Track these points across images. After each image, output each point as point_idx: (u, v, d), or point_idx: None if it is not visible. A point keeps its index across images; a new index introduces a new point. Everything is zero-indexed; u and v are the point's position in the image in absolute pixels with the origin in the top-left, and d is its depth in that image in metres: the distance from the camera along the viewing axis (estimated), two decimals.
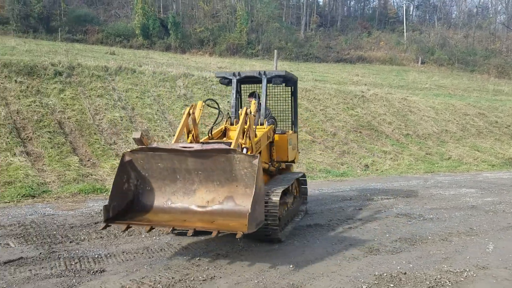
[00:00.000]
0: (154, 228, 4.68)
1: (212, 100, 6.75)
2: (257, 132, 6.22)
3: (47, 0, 38.53)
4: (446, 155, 17.62)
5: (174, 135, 6.06)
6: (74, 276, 4.46)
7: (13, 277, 4.45)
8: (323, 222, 7.03)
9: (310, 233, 6.34)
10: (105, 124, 13.43)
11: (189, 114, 5.57)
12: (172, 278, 4.43)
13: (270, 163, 6.79)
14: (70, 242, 5.70)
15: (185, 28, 42.02)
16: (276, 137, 6.94)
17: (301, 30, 51.92)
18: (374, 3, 71.19)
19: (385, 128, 19.23)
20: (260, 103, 6.92)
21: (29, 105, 13.12)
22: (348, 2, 71.48)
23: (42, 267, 4.72)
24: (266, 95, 7.00)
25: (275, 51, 21.27)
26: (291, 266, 4.89)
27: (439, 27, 58.98)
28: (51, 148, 11.55)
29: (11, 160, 10.66)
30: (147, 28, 39.03)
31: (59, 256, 5.09)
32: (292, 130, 8.01)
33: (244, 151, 5.14)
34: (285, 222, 6.22)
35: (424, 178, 13.29)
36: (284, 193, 6.10)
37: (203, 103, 6.18)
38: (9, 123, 11.94)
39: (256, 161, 4.41)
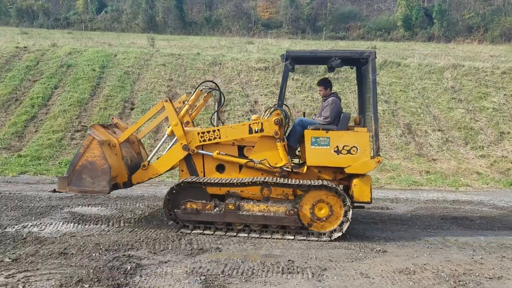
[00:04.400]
0: None
1: (213, 82, 6.60)
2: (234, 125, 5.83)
3: (315, 1, 42.24)
4: None
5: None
6: (359, 251, 5.02)
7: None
8: None
9: None
10: None
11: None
12: (455, 270, 4.45)
13: (283, 165, 5.66)
14: None
15: (451, 15, 38.99)
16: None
17: None
18: None
19: None
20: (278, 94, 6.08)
21: (303, 99, 14.93)
22: None
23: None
24: (284, 80, 5.83)
25: None
26: None
27: None
28: None
29: None
30: (409, 19, 38.07)
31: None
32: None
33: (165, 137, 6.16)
34: None
35: None
36: None
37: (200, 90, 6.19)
38: None
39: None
